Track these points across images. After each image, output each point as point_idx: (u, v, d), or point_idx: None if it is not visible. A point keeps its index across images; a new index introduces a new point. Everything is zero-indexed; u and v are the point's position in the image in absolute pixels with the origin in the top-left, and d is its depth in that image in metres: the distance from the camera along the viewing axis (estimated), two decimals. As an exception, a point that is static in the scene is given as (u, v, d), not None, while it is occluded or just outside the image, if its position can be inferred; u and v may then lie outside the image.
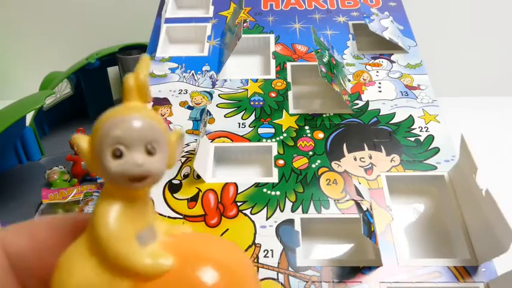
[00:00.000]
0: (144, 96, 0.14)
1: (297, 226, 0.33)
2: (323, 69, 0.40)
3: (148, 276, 0.13)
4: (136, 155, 0.13)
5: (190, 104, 0.43)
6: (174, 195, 0.36)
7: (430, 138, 0.39)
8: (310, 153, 0.38)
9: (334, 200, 0.35)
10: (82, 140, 0.13)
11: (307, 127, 0.40)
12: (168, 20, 0.53)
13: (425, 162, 0.37)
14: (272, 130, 0.40)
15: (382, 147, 0.38)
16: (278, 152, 0.38)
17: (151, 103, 0.43)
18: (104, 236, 0.13)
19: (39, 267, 0.15)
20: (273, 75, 0.46)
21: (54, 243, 0.15)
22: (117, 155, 0.13)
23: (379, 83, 0.45)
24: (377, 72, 0.46)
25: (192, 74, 0.47)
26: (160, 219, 0.15)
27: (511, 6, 0.74)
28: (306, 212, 0.34)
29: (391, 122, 0.41)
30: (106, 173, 0.13)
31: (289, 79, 0.45)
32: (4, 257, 0.15)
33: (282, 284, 0.30)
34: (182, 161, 0.38)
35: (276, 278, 0.30)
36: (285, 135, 0.40)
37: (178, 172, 0.37)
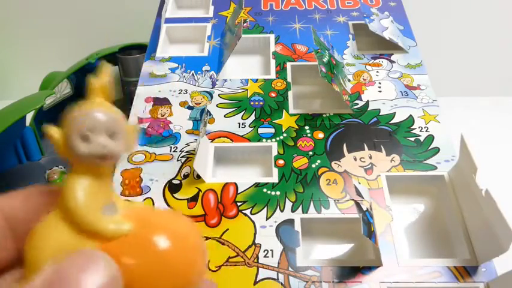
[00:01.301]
0: (106, 95, 0.17)
1: (297, 226, 0.33)
2: (323, 69, 0.40)
3: (111, 238, 0.16)
4: (101, 139, 0.16)
5: (190, 104, 0.43)
6: (174, 195, 0.36)
7: (430, 138, 0.39)
8: (310, 153, 0.38)
9: (334, 200, 0.35)
10: (53, 130, 0.16)
11: (307, 127, 0.40)
12: (168, 20, 0.53)
13: (425, 162, 0.37)
14: (272, 130, 0.40)
15: (382, 147, 0.38)
16: (278, 152, 0.38)
17: (152, 103, 0.43)
18: (73, 207, 0.16)
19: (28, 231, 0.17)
20: (273, 75, 0.46)
21: (34, 209, 0.17)
22: (85, 139, 0.16)
23: (379, 83, 0.45)
24: (377, 72, 0.46)
25: (192, 74, 0.47)
26: (117, 197, 0.18)
27: (511, 6, 0.74)
28: (306, 212, 0.34)
29: (391, 122, 0.41)
30: (76, 153, 0.16)
31: (289, 79, 0.45)
32: (2, 218, 0.17)
33: (282, 284, 0.30)
34: (182, 161, 0.38)
35: (276, 278, 0.30)
36: (285, 135, 0.40)
37: (178, 172, 0.37)
